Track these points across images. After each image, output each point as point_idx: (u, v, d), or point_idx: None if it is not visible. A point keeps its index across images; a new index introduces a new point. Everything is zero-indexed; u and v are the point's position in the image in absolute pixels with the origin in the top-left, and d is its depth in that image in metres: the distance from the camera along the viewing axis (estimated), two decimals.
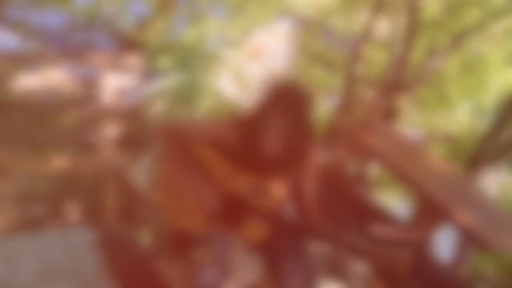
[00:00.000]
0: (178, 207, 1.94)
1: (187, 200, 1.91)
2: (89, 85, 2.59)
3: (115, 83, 2.59)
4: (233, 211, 1.84)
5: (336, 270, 2.59)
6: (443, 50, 4.14)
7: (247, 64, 6.47)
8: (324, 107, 7.21)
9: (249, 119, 1.79)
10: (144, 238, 4.13)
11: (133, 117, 5.33)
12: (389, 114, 3.96)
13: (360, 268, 2.81)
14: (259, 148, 1.81)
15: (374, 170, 4.31)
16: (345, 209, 2.59)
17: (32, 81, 2.38)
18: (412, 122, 6.63)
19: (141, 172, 5.19)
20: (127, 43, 4.35)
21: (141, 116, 5.43)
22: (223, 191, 1.81)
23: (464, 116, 5.43)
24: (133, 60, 2.61)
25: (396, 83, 4.03)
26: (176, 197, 1.93)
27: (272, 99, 1.70)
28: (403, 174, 2.43)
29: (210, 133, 1.88)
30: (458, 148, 4.95)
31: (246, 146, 1.81)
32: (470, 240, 2.18)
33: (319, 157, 1.97)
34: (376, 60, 6.57)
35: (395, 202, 6.31)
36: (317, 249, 2.59)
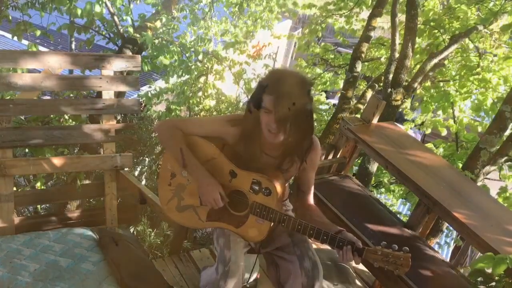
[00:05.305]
0: (178, 203, 1.93)
1: (187, 195, 1.90)
2: (89, 85, 2.58)
3: (115, 83, 2.58)
4: (232, 208, 1.83)
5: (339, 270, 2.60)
6: (443, 50, 4.14)
7: (247, 64, 6.48)
8: (324, 106, 7.23)
9: (248, 116, 1.77)
10: (145, 237, 4.14)
11: (133, 116, 5.34)
12: (389, 113, 3.97)
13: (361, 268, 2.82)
14: (258, 145, 1.80)
15: (374, 170, 4.32)
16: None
17: (32, 80, 2.37)
18: (413, 122, 6.64)
19: (141, 172, 5.20)
20: (127, 43, 4.35)
21: (141, 116, 5.44)
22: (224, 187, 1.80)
23: (464, 116, 5.43)
24: (133, 60, 2.61)
25: (396, 83, 4.03)
26: (177, 191, 1.92)
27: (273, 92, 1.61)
28: (403, 173, 2.43)
29: (210, 130, 1.86)
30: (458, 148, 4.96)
31: (246, 143, 1.80)
32: (470, 240, 2.18)
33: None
34: (376, 60, 6.58)
35: (395, 202, 6.32)
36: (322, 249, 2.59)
